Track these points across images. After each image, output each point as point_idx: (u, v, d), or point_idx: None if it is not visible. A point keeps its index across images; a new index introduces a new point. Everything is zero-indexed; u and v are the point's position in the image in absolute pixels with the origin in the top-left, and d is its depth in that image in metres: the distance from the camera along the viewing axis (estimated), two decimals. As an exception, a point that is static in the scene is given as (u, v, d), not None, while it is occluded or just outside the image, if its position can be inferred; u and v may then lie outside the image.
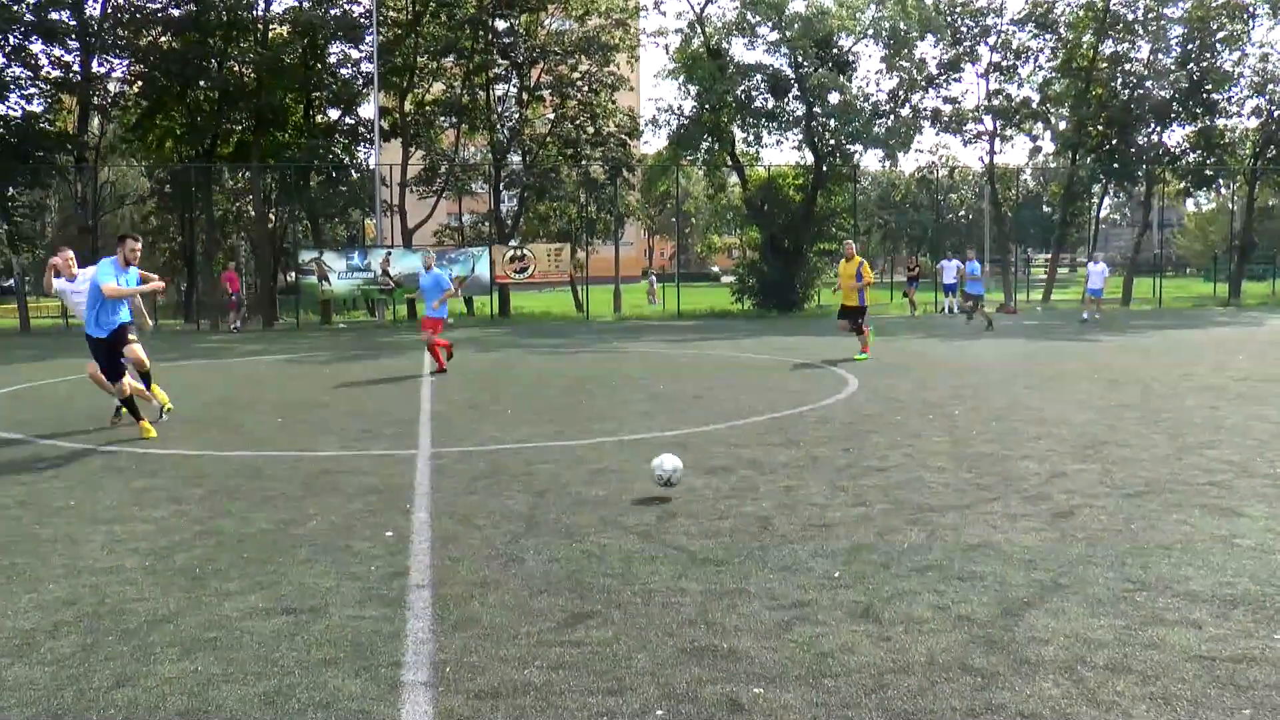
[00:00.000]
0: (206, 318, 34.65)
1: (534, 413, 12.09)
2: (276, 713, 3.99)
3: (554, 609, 5.09)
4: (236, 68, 35.45)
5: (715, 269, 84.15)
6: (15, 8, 32.73)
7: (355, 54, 36.91)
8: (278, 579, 5.63)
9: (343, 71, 37.18)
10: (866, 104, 36.22)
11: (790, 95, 35.80)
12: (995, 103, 41.26)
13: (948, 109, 40.57)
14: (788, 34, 34.45)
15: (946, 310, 35.00)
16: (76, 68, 34.89)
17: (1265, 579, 5.42)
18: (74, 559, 6.09)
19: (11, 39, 33.42)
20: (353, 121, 38.21)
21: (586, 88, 37.80)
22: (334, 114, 38.36)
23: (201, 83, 34.96)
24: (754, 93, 35.96)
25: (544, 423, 11.23)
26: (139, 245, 10.68)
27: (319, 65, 36.12)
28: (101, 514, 7.21)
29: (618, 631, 4.78)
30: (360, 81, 36.60)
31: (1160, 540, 6.16)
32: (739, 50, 36.79)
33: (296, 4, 35.48)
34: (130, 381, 10.74)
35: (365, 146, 37.94)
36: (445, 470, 8.59)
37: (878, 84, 37.61)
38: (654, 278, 51.19)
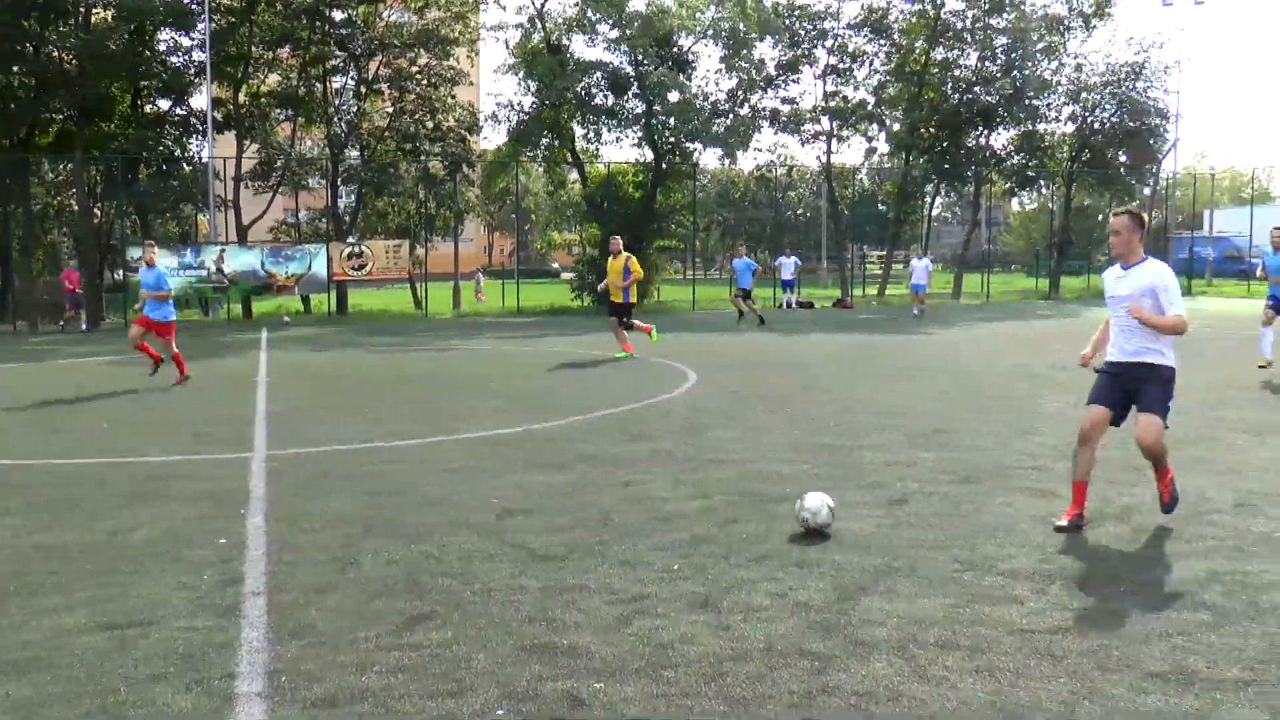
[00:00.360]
0: (25, 318, 32.88)
1: (372, 412, 11.88)
2: (98, 729, 3.82)
3: (392, 612, 5.00)
4: (55, 53, 33.65)
5: (555, 265, 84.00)
6: None
7: (186, 42, 35.49)
8: (103, 592, 5.36)
9: (173, 60, 35.68)
10: (705, 103, 36.66)
11: (630, 93, 35.98)
12: (832, 104, 42.32)
13: (786, 109, 41.45)
14: (628, 32, 34.61)
15: (785, 305, 35.78)
16: None
17: (1078, 555, 5.72)
18: (-128, 575, 5.69)
19: None
20: (184, 112, 36.78)
21: (425, 81, 37.24)
22: (164, 104, 36.84)
23: (15, 68, 33.08)
24: (594, 90, 36.01)
25: (382, 422, 11.04)
26: None
27: (147, 53, 34.62)
28: (-96, 526, 6.77)
29: (457, 632, 4.72)
30: (192, 71, 35.22)
31: (986, 522, 6.41)
32: (579, 47, 36.83)
33: (122, -14, 33.91)
34: None
35: (198, 139, 36.60)
36: (281, 473, 8.35)
37: (717, 83, 38.08)
38: (481, 276, 50.66)
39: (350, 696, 4.06)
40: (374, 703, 4.00)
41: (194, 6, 33.38)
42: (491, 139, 41.16)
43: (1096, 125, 42.75)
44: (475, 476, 8.03)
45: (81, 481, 8.15)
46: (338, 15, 36.19)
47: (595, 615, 4.90)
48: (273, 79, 37.47)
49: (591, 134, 37.38)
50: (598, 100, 36.18)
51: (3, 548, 6.24)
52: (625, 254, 18.02)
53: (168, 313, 14.85)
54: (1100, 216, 50.66)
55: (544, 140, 37.00)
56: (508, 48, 36.62)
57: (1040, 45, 40.44)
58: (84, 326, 30.21)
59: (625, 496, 7.26)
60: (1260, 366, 14.01)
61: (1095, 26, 40.97)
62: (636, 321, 18.44)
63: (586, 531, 6.37)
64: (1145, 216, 6.56)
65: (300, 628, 4.80)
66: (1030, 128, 41.92)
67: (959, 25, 40.98)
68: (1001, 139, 43.17)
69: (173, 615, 5.00)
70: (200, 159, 35.94)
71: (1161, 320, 6.09)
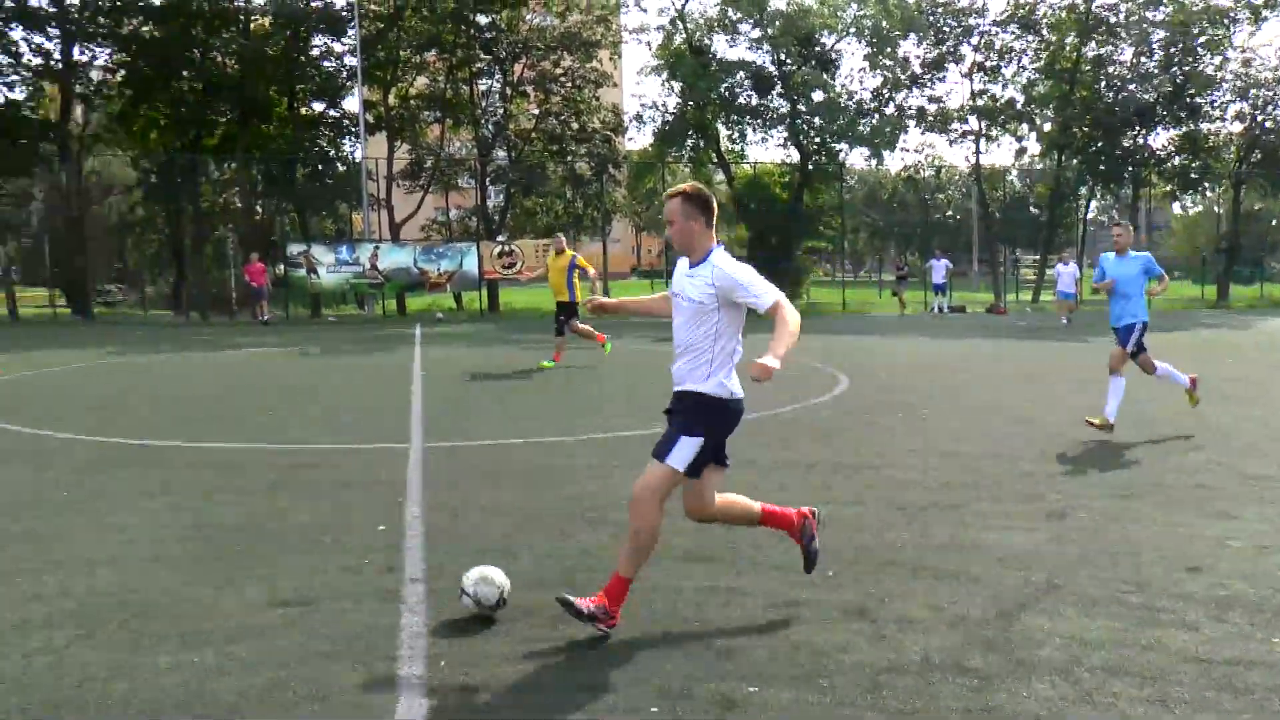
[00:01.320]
0: (196, 309, 34.50)
1: (527, 408, 12.10)
2: (273, 705, 3.98)
3: (547, 606, 4.99)
4: (219, 58, 35.28)
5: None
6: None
7: (338, 47, 36.87)
8: (270, 571, 5.60)
9: (326, 64, 37.08)
10: (850, 102, 36.24)
11: (774, 92, 35.80)
12: (980, 103, 41.37)
13: (932, 108, 40.71)
14: (769, 31, 34.47)
15: (935, 309, 35.08)
16: (58, 55, 34.63)
17: (1257, 581, 5.36)
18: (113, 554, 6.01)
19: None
20: (337, 114, 38.11)
21: (570, 83, 37.77)
22: (318, 106, 38.25)
23: (185, 73, 34.79)
24: (737, 90, 35.96)
25: (535, 418, 11.20)
26: None
27: (301, 57, 36.01)
28: (105, 513, 7.14)
29: (610, 628, 4.75)
30: (344, 74, 36.54)
31: (1151, 541, 6.15)
32: (721, 47, 36.83)
33: (278, -4, 35.32)
34: None
35: (350, 140, 37.88)
36: (437, 465, 8.54)
37: (861, 82, 37.77)
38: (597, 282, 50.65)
39: (503, 685, 4.15)
40: (523, 691, 4.10)
41: (345, 13, 34.58)
42: (637, 140, 41.55)
43: (1268, 124, 40.66)
44: (629, 474, 8.07)
45: (240, 466, 8.51)
46: (482, 20, 36.98)
47: (752, 618, 4.89)
48: (421, 82, 38.54)
49: (736, 134, 37.37)
50: (742, 100, 36.12)
51: (186, 525, 6.56)
52: (570, 252, 16.55)
53: None
54: (1275, 221, 48.34)
55: (689, 141, 37.15)
56: (650, 49, 36.90)
57: (1201, 39, 38.69)
58: (265, 318, 31.20)
59: (777, 501, 7.21)
60: (1095, 425, 9.87)
61: (1266, 18, 39.03)
62: (583, 326, 16.69)
63: (739, 535, 6.35)
64: (710, 197, 5.00)
65: (457, 616, 4.91)
66: (1192, 127, 40.18)
67: (1112, 20, 39.52)
68: (1161, 139, 41.61)
69: (337, 597, 5.20)
70: (353, 159, 37.17)
71: (783, 331, 4.67)
